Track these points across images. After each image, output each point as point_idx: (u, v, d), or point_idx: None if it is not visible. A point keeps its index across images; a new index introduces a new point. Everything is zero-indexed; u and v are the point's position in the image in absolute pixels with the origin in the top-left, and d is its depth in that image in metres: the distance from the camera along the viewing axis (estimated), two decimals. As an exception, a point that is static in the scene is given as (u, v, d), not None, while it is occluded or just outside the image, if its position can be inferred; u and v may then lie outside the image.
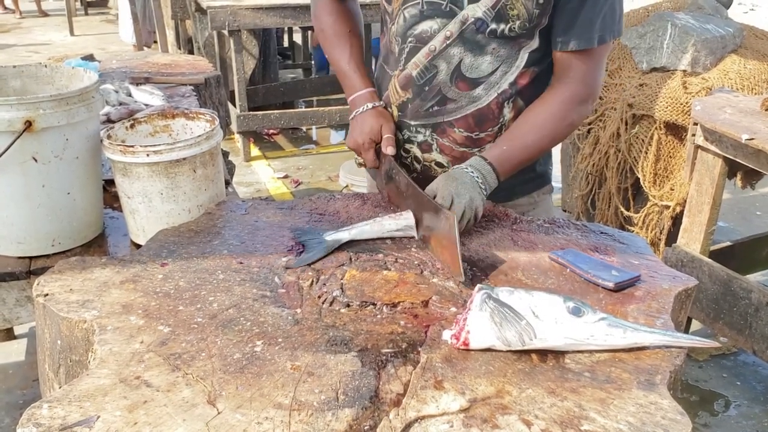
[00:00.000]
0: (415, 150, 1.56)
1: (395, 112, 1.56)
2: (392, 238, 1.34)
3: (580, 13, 1.38)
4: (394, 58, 1.54)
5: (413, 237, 1.35)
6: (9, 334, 2.95)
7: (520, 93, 1.48)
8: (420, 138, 1.55)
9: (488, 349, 0.99)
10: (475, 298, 1.01)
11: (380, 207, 1.48)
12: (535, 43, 1.44)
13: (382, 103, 1.57)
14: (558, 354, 1.00)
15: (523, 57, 1.45)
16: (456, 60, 1.45)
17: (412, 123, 1.54)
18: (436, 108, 1.50)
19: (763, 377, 2.84)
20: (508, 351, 0.99)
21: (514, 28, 1.40)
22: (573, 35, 1.40)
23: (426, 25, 1.45)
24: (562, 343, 0.99)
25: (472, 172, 1.39)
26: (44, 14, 11.48)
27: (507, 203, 1.56)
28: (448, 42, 1.44)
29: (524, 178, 1.57)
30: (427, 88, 1.49)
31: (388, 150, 1.51)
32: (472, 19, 1.41)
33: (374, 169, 1.58)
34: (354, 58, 1.59)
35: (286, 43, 7.63)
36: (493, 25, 1.40)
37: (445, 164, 1.54)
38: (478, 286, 1.03)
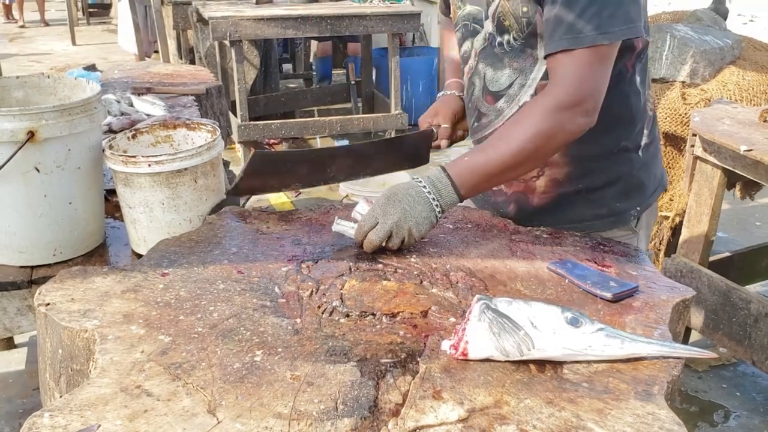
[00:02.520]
0: None
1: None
2: (391, 248, 1.34)
3: (560, 16, 1.29)
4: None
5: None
6: (9, 344, 2.95)
7: None
8: None
9: (487, 360, 1.00)
10: (474, 308, 1.01)
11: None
12: (541, 53, 1.40)
13: (455, 92, 1.69)
14: (556, 364, 1.00)
15: (540, 69, 1.41)
16: (483, 75, 1.50)
17: (473, 140, 1.61)
18: (476, 124, 1.57)
19: (762, 388, 2.84)
20: (506, 361, 1.00)
21: (517, 38, 1.40)
22: (554, 38, 1.29)
23: (466, 46, 1.54)
24: (561, 353, 0.99)
25: (424, 186, 1.31)
26: (46, 24, 11.53)
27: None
28: (477, 59, 1.50)
29: (595, 213, 1.49)
30: (470, 105, 1.58)
31: (442, 143, 1.64)
32: (488, 35, 1.45)
33: None
34: (454, 65, 1.72)
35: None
36: (499, 38, 1.43)
37: None
38: (477, 296, 1.04)
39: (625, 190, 1.50)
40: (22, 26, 11.32)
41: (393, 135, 1.66)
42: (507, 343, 0.98)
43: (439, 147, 1.66)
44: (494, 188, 1.55)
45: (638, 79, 1.45)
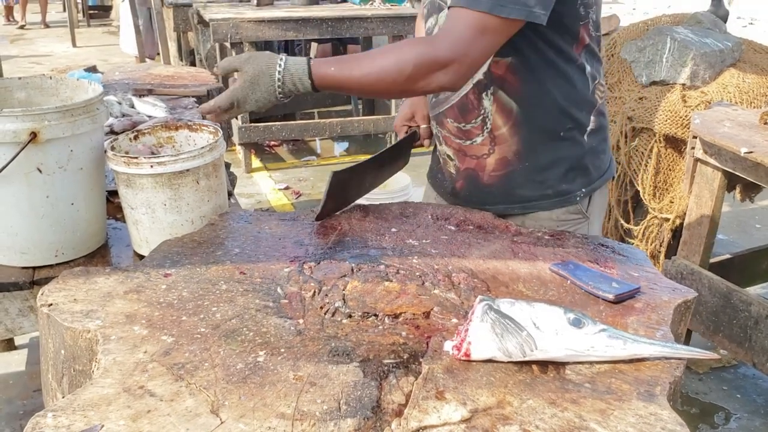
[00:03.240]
0: (437, 143, 1.69)
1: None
2: (393, 249, 1.34)
3: None
4: None
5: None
6: (10, 345, 2.95)
7: (500, 84, 1.46)
8: (435, 131, 1.67)
9: (489, 360, 1.00)
10: (477, 309, 1.01)
11: (382, 218, 1.49)
12: None
13: None
14: (559, 365, 1.00)
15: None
16: None
17: (431, 117, 1.67)
18: (434, 99, 1.61)
19: (763, 390, 2.84)
20: (509, 362, 1.00)
21: None
22: None
23: (430, 22, 1.58)
24: (563, 354, 0.99)
25: (279, 71, 1.34)
26: (46, 26, 11.54)
27: (527, 215, 1.56)
28: None
29: (542, 194, 1.54)
30: None
31: (425, 142, 1.71)
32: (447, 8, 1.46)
33: None
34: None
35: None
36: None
37: (453, 157, 1.61)
38: (480, 297, 1.04)
39: (569, 173, 1.54)
40: (22, 27, 11.32)
41: (393, 142, 1.69)
42: (510, 344, 0.98)
43: (422, 145, 1.75)
44: (444, 165, 1.66)
45: (587, 68, 1.50)
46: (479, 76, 1.47)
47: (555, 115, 1.49)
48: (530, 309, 1.01)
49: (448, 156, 1.63)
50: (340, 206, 1.52)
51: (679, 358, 1.02)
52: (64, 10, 10.09)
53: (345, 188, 1.51)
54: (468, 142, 1.56)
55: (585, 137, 1.54)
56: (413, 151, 1.75)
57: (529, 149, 1.51)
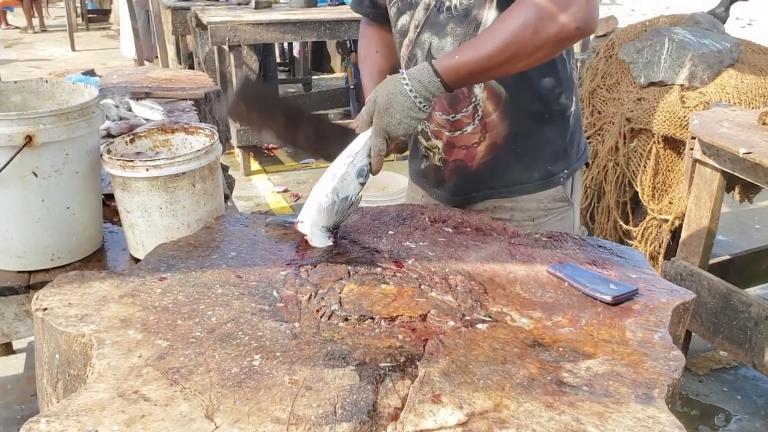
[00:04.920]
0: (422, 138, 1.66)
1: None
2: (390, 251, 1.34)
3: None
4: (399, 58, 1.65)
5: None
6: (7, 349, 2.94)
7: None
8: (420, 126, 1.64)
9: (487, 363, 0.99)
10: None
11: (378, 220, 1.49)
12: (490, 16, 1.43)
13: None
14: (556, 367, 1.00)
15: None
16: (427, 45, 1.53)
17: None
18: None
19: (763, 391, 2.83)
20: (504, 364, 0.99)
21: (463, 1, 1.44)
22: None
23: (403, 20, 1.57)
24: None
25: (407, 84, 1.32)
26: (44, 29, 11.55)
27: (511, 198, 1.58)
28: (418, 30, 1.53)
29: (529, 176, 1.57)
30: None
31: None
32: (433, 2, 1.48)
33: None
34: (374, 69, 1.71)
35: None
36: (447, 2, 1.46)
37: (440, 150, 1.62)
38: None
39: (553, 154, 1.58)
40: (25, 30, 11.33)
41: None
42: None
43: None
44: (430, 160, 1.65)
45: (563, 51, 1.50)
46: None
47: (541, 96, 1.52)
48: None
49: (436, 149, 1.63)
50: (256, 120, 1.53)
51: None
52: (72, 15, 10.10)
53: (261, 105, 1.51)
54: (458, 133, 1.57)
55: (565, 118, 1.58)
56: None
57: (517, 133, 1.54)
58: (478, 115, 1.54)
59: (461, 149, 1.59)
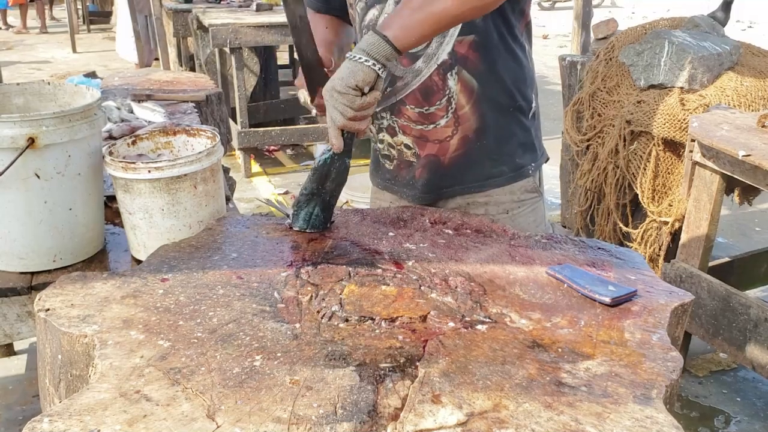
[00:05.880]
0: (386, 136, 1.65)
1: None
2: (390, 253, 1.35)
3: None
4: None
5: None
6: (9, 350, 2.95)
7: (463, 63, 1.51)
8: (385, 123, 1.64)
9: (487, 363, 1.00)
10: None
11: (379, 222, 1.50)
12: None
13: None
14: (555, 368, 1.01)
15: (457, 26, 1.46)
16: None
17: (377, 109, 1.62)
18: (389, 89, 1.59)
19: (762, 393, 2.83)
20: (503, 364, 1.00)
21: None
22: None
23: (371, 14, 1.57)
24: None
25: (354, 58, 1.31)
26: (44, 30, 11.58)
27: (484, 193, 1.60)
28: None
29: (500, 170, 1.60)
30: None
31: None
32: None
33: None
34: (322, 40, 1.64)
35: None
36: None
37: (411, 145, 1.62)
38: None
39: (520, 147, 1.62)
40: (20, 32, 11.35)
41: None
42: None
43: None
44: (399, 156, 1.65)
45: (526, 47, 1.60)
46: (443, 56, 1.51)
47: (507, 90, 1.57)
48: None
49: (405, 145, 1.63)
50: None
51: None
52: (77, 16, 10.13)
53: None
54: (431, 126, 1.57)
55: (530, 114, 1.63)
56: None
57: (486, 125, 1.57)
58: (451, 108, 1.55)
59: (434, 143, 1.59)
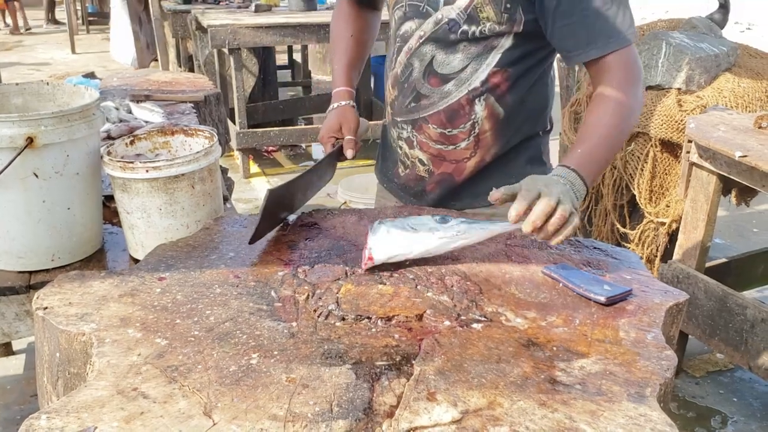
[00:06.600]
0: (404, 146, 1.66)
1: (388, 110, 1.68)
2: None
3: (588, 24, 1.39)
4: (389, 59, 1.65)
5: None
6: (7, 350, 2.96)
7: (493, 92, 1.52)
8: (405, 134, 1.64)
9: (483, 363, 1.01)
10: (369, 229, 1.26)
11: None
12: (507, 44, 1.48)
13: (350, 102, 1.69)
14: (550, 366, 1.01)
15: (495, 56, 1.49)
16: (428, 57, 1.53)
17: (398, 119, 1.64)
18: (413, 105, 1.59)
19: (759, 393, 2.84)
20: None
21: (484, 30, 1.46)
22: (597, 45, 1.40)
23: (407, 26, 1.56)
24: (437, 243, 1.25)
25: (559, 178, 1.31)
26: (20, 31, 11.57)
27: (492, 206, 1.58)
28: (421, 41, 1.53)
29: (507, 182, 1.57)
30: (406, 85, 1.59)
31: (348, 153, 1.64)
32: (446, 20, 1.48)
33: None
34: (345, 59, 1.73)
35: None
36: (465, 27, 1.47)
37: (425, 162, 1.63)
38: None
39: (529, 163, 1.64)
40: (14, 32, 11.34)
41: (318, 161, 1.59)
42: (399, 241, 1.24)
43: (346, 158, 1.68)
44: (411, 169, 1.67)
45: (551, 74, 1.63)
46: (476, 83, 1.51)
47: (532, 118, 1.60)
48: (407, 220, 1.28)
49: (420, 161, 1.64)
50: (273, 226, 1.44)
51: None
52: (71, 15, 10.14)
53: (278, 206, 1.43)
54: (450, 147, 1.58)
55: (548, 135, 1.68)
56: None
57: (505, 150, 1.60)
58: (474, 132, 1.56)
59: (450, 163, 1.60)
